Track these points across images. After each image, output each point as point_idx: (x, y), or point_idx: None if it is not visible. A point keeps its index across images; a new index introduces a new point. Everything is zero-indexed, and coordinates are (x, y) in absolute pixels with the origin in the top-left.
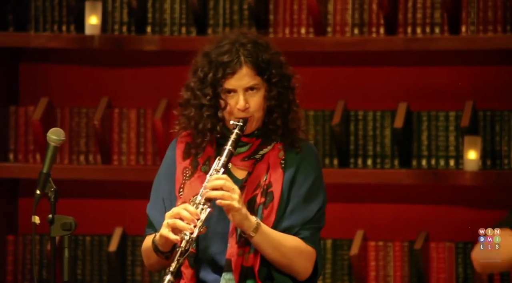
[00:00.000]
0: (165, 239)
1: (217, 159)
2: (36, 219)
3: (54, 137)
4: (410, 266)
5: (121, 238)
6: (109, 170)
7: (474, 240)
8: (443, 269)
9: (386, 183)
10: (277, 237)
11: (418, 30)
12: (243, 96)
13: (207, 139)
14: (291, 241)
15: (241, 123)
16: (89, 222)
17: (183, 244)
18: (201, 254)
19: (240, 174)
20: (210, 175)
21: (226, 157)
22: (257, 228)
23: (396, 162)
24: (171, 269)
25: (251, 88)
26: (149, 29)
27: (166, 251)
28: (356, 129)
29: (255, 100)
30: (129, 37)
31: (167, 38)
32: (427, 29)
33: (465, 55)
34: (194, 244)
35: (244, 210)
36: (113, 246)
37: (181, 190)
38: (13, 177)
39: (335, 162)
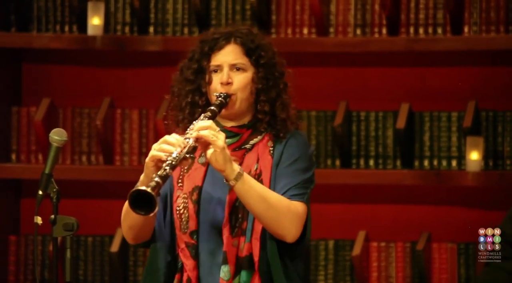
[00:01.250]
0: (152, 164)
1: (201, 115)
2: (38, 220)
3: (56, 137)
4: (412, 267)
5: (123, 239)
6: (111, 170)
7: (475, 241)
8: (445, 270)
9: (388, 183)
10: (262, 189)
11: (421, 30)
12: (228, 72)
13: (187, 112)
14: (278, 196)
15: (224, 94)
16: (91, 223)
17: (170, 157)
18: (201, 247)
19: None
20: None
21: (210, 112)
22: (239, 176)
23: (398, 163)
24: (159, 173)
25: (237, 68)
26: (151, 29)
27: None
28: (358, 130)
29: (239, 79)
30: (132, 37)
31: (170, 39)
32: (430, 30)
33: (467, 55)
34: (195, 236)
35: (228, 153)
36: (115, 247)
37: (180, 181)
38: (16, 178)
39: (337, 162)
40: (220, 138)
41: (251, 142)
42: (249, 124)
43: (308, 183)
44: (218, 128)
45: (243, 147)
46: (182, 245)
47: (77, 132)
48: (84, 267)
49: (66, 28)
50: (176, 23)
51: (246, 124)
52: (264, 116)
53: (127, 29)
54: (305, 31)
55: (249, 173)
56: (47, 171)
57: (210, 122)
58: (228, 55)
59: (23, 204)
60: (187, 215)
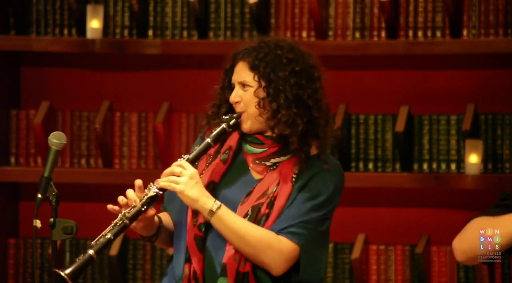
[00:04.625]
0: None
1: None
2: (38, 223)
3: (55, 141)
4: (411, 270)
5: (122, 242)
6: (110, 173)
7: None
8: (445, 273)
9: (388, 186)
10: (239, 224)
11: (420, 34)
12: (237, 91)
13: (206, 123)
14: (259, 231)
15: (227, 117)
16: (90, 226)
17: (116, 220)
18: (208, 241)
19: (257, 176)
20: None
21: (201, 147)
22: (211, 213)
23: (397, 166)
24: (95, 243)
25: (243, 84)
26: (150, 32)
27: (145, 235)
28: (357, 133)
29: (245, 95)
30: (131, 40)
31: (169, 42)
32: (429, 33)
33: (466, 59)
34: (203, 228)
35: (192, 193)
36: (114, 250)
37: (201, 176)
38: (15, 181)
39: None
40: (180, 182)
41: (272, 160)
42: (274, 137)
43: (315, 224)
44: (181, 169)
45: (263, 163)
46: (191, 237)
47: (76, 136)
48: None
49: (65, 31)
50: (175, 27)
51: (272, 137)
52: (271, 133)
53: (126, 32)
54: (304, 34)
55: (266, 192)
56: (46, 174)
57: (172, 168)
58: (238, 73)
59: (22, 207)
60: None
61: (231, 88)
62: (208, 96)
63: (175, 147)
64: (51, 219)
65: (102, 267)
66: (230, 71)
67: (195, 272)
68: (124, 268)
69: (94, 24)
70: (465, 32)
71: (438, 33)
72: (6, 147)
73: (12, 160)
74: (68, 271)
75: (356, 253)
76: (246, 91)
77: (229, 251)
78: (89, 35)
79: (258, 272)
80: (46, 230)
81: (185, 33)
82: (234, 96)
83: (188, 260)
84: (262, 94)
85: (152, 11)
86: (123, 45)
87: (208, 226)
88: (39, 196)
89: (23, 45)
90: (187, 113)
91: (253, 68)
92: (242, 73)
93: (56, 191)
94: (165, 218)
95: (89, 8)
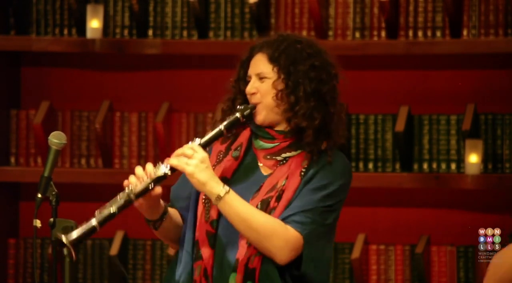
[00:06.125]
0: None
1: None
2: (38, 223)
3: (55, 141)
4: (411, 270)
5: (122, 242)
6: (110, 173)
7: (475, 244)
8: (445, 273)
9: (388, 186)
10: (246, 210)
11: (420, 33)
12: (254, 82)
13: (222, 118)
14: (265, 218)
15: (242, 107)
16: None
17: (120, 194)
18: (218, 238)
19: (266, 172)
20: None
21: (213, 133)
22: (219, 197)
23: (397, 166)
24: (97, 216)
25: (261, 77)
26: (150, 32)
27: (150, 219)
28: (357, 133)
29: (262, 86)
30: (131, 40)
31: (169, 42)
32: (429, 33)
33: (466, 59)
34: (215, 225)
35: (202, 176)
36: (114, 250)
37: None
38: (15, 181)
39: None
40: (191, 164)
41: (283, 155)
42: (286, 132)
43: (319, 215)
44: (192, 151)
45: (274, 158)
46: (203, 233)
47: (76, 135)
48: (83, 270)
49: (65, 31)
50: (175, 27)
51: (284, 131)
52: (283, 127)
53: (126, 32)
54: (304, 34)
55: (275, 185)
56: (46, 174)
57: (183, 149)
58: (255, 65)
59: (22, 207)
60: (209, 204)
61: (246, 80)
62: (208, 96)
63: (175, 147)
64: (51, 219)
65: (102, 267)
66: (246, 64)
67: (206, 269)
68: (124, 268)
69: (94, 24)
70: (465, 32)
71: (438, 33)
72: (6, 147)
73: (12, 160)
74: (71, 238)
75: (356, 253)
76: (263, 82)
77: (242, 247)
78: (89, 35)
79: (265, 269)
80: (46, 230)
81: (185, 33)
82: (250, 88)
83: (199, 258)
84: (280, 86)
85: (152, 11)
86: (123, 45)
87: (219, 223)
88: (39, 196)
89: (23, 45)
90: (187, 113)
91: (272, 60)
92: (260, 64)
93: (56, 191)
94: (173, 212)
95: (89, 8)
